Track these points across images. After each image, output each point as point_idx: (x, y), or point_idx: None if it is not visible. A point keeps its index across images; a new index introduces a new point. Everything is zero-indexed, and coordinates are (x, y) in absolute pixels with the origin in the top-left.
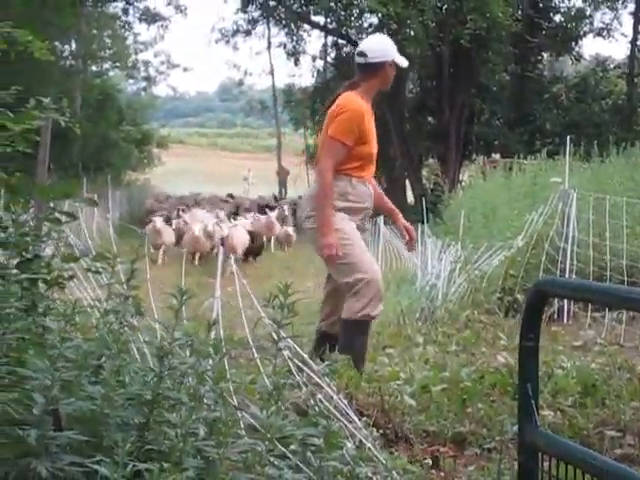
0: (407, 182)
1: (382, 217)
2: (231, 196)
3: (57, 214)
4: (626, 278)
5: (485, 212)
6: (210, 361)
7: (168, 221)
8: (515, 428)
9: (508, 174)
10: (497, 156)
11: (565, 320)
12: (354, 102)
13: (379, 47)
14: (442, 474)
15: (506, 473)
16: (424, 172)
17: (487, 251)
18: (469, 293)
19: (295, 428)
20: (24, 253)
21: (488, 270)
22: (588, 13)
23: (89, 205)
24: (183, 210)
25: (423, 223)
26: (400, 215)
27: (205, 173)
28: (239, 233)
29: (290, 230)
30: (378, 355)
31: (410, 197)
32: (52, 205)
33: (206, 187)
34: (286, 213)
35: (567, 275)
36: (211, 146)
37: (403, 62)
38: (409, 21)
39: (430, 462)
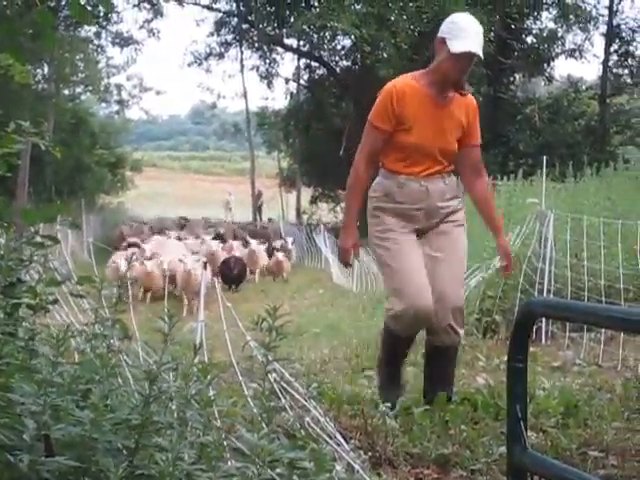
0: None
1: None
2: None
3: (39, 238)
4: (604, 299)
5: None
6: (197, 385)
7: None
8: (500, 449)
9: None
10: None
11: (543, 340)
12: (395, 82)
13: (445, 23)
14: None
15: None
16: None
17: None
18: None
19: (284, 451)
20: (7, 278)
21: (465, 291)
22: (560, 34)
23: (72, 228)
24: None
25: None
26: (501, 232)
27: (178, 196)
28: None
29: (280, 257)
30: (358, 377)
31: None
32: (34, 229)
33: (180, 210)
34: (289, 246)
35: (545, 295)
36: (184, 169)
37: (453, 46)
38: (382, 43)
39: None
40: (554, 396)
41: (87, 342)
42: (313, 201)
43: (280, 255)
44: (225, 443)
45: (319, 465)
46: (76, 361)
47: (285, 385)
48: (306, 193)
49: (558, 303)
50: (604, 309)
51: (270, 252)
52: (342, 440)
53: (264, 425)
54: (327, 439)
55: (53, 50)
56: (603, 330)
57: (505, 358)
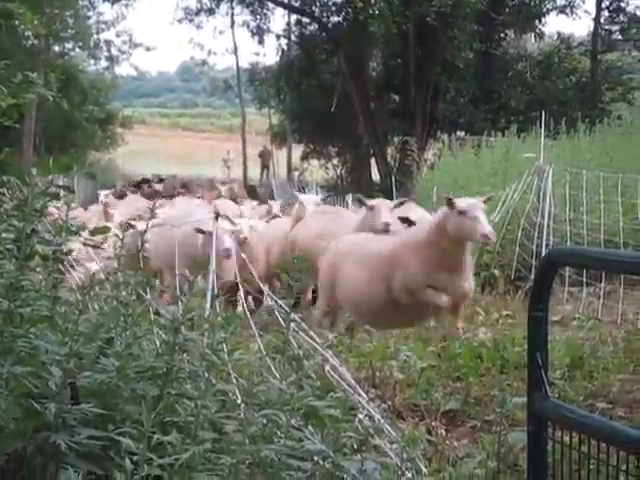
0: (372, 160)
1: None
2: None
3: (54, 188)
4: None
5: (456, 189)
6: (222, 334)
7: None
8: (514, 400)
9: (477, 151)
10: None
11: None
12: None
13: None
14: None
15: (504, 446)
16: (389, 150)
17: None
18: None
19: (314, 399)
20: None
21: None
22: None
23: (88, 178)
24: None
25: (392, 200)
26: None
27: (167, 153)
28: None
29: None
30: (357, 332)
31: (375, 175)
32: (50, 179)
33: (170, 168)
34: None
35: (543, 250)
36: (173, 126)
37: None
38: None
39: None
40: (559, 349)
41: (111, 290)
42: (304, 157)
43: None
44: (254, 391)
45: (344, 413)
46: (100, 309)
47: (304, 335)
48: (297, 150)
49: (578, 251)
50: (624, 255)
51: None
52: (360, 390)
53: (294, 373)
54: (348, 388)
55: (42, 5)
56: (602, 284)
57: (504, 312)
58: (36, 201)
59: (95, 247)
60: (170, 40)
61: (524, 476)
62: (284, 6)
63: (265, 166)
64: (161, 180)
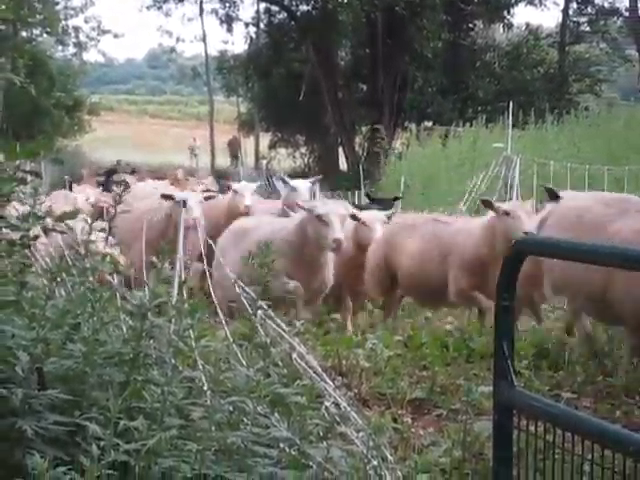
0: (340, 149)
1: None
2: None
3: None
4: None
5: (423, 179)
6: (189, 320)
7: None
8: (480, 389)
9: (445, 141)
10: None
11: None
12: None
13: None
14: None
15: (469, 434)
16: (357, 139)
17: None
18: None
19: (281, 386)
20: None
21: None
22: None
23: (56, 164)
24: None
25: (359, 189)
26: None
27: (135, 141)
28: None
29: None
30: (324, 320)
31: (343, 164)
32: (17, 164)
33: (138, 155)
34: None
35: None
36: (141, 113)
37: None
38: None
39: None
40: (525, 338)
41: (78, 276)
42: (272, 146)
43: None
44: (221, 378)
45: (311, 400)
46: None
47: (271, 323)
48: (265, 138)
49: (546, 241)
50: (591, 246)
51: None
52: (326, 378)
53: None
54: (314, 375)
55: None
56: None
57: None
58: (3, 186)
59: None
60: (138, 27)
61: (489, 465)
62: None
63: (234, 155)
64: (133, 171)
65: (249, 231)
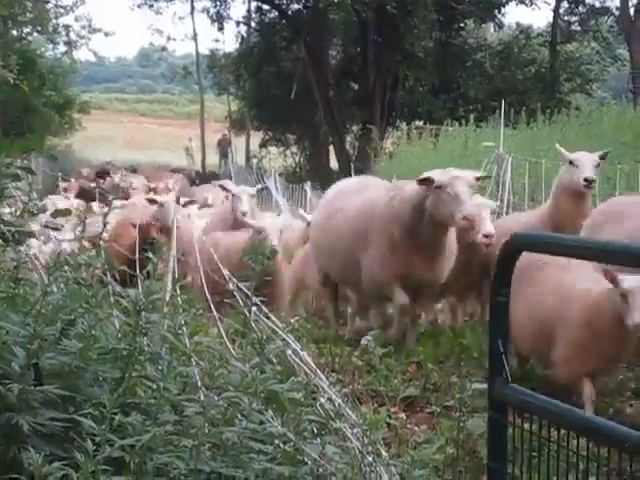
0: (331, 148)
1: None
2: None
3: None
4: None
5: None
6: (182, 317)
7: None
8: (474, 386)
9: (436, 140)
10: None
11: None
12: None
13: None
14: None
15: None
16: (348, 138)
17: None
18: None
19: (276, 382)
20: None
21: None
22: None
23: (50, 159)
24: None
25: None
26: None
27: (125, 139)
28: None
29: None
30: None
31: (333, 163)
32: (10, 161)
33: (128, 154)
34: None
35: None
36: (131, 112)
37: None
38: None
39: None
40: None
41: (73, 272)
42: (263, 145)
43: None
44: (215, 374)
45: (305, 396)
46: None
47: (265, 319)
48: (255, 137)
49: (541, 237)
50: (586, 241)
51: None
52: (321, 374)
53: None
54: (309, 372)
55: None
56: None
57: None
58: None
59: (55, 229)
60: (129, 26)
61: (483, 462)
62: None
63: (224, 154)
64: (134, 170)
65: None
